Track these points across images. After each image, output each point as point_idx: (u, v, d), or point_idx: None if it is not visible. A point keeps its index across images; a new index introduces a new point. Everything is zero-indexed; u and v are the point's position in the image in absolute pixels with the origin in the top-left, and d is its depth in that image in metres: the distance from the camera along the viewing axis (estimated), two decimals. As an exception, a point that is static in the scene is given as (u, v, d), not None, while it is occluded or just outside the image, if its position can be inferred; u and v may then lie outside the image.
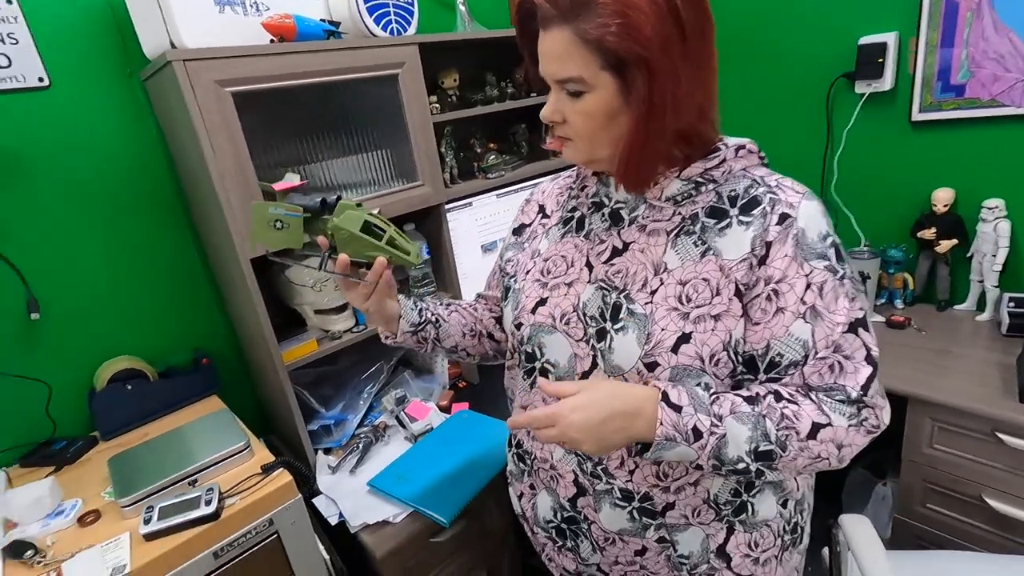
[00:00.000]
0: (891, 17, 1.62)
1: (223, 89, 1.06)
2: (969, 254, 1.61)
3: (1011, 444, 1.24)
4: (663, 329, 0.67)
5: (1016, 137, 1.50)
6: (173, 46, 1.07)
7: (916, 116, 1.64)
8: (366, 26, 1.28)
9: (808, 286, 0.64)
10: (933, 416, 1.35)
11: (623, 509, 0.75)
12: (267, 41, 1.16)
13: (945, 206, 1.62)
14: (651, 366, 0.67)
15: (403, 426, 1.42)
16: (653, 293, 0.69)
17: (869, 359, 0.65)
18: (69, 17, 1.19)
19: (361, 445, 1.36)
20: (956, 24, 1.52)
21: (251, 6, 1.16)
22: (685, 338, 0.66)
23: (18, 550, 0.90)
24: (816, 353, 0.65)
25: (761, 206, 0.67)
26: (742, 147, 0.71)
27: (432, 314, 0.94)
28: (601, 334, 0.72)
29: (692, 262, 0.68)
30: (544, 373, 0.79)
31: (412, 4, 1.38)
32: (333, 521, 1.18)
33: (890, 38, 1.61)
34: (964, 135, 1.59)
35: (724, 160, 0.69)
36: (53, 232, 1.23)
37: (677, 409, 0.63)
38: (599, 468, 0.75)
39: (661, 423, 0.62)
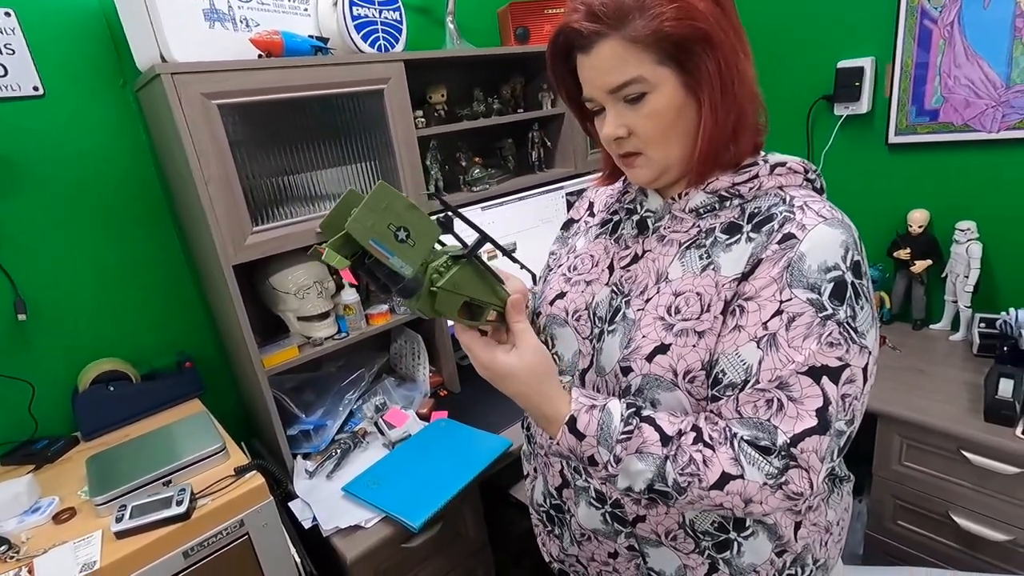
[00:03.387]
0: (868, 42, 1.67)
1: (210, 102, 1.10)
2: (944, 274, 1.65)
3: (976, 463, 1.26)
4: (644, 336, 0.67)
5: (987, 162, 1.54)
6: (164, 59, 1.11)
7: (892, 139, 1.68)
8: (354, 42, 1.33)
9: (778, 313, 0.60)
10: (902, 433, 1.38)
11: (597, 510, 0.76)
12: (255, 56, 1.20)
13: (920, 227, 1.65)
14: (626, 370, 0.68)
15: (381, 433, 1.44)
16: (647, 301, 0.69)
17: (820, 415, 0.57)
18: (64, 29, 1.23)
19: (339, 451, 1.38)
20: (930, 51, 1.56)
21: (241, 22, 1.20)
22: (662, 349, 0.65)
23: (-8, 545, 0.92)
24: (757, 382, 0.60)
25: (772, 223, 0.63)
26: (782, 164, 0.68)
27: None
28: (600, 335, 0.73)
29: (692, 275, 0.67)
30: None
31: (400, 22, 1.42)
32: (307, 525, 1.20)
33: (867, 63, 1.66)
34: (938, 158, 1.63)
35: (756, 176, 0.66)
36: (43, 235, 1.27)
37: (580, 437, 0.62)
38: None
39: (558, 443, 0.64)
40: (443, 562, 1.30)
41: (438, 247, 0.59)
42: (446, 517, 1.24)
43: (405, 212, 0.52)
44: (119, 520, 0.94)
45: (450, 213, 0.58)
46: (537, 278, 0.91)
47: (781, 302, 0.60)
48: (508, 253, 0.64)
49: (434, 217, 0.55)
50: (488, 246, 0.60)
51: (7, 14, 1.16)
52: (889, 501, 1.45)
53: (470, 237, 0.60)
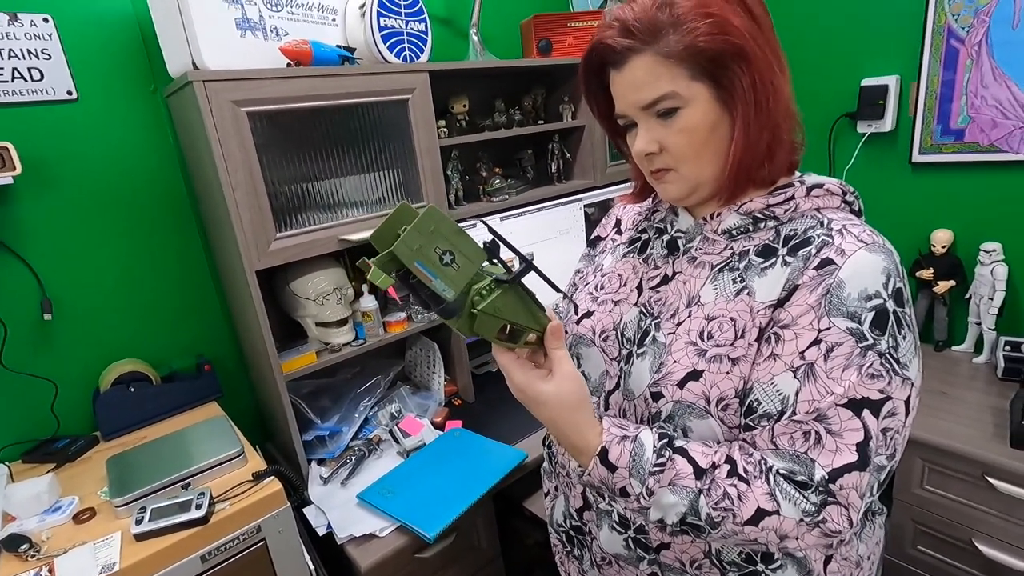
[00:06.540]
0: (893, 60, 1.66)
1: (239, 109, 1.11)
2: (967, 296, 1.62)
3: (1001, 489, 1.24)
4: (675, 361, 0.65)
5: (1014, 182, 1.52)
6: (195, 66, 1.13)
7: (916, 158, 1.67)
8: (380, 53, 1.34)
9: (816, 342, 0.57)
10: (924, 457, 1.35)
11: (620, 534, 0.75)
12: (284, 65, 1.22)
13: (944, 247, 1.63)
14: (656, 396, 0.66)
15: (396, 441, 1.44)
16: (679, 325, 0.67)
17: (860, 450, 0.55)
18: (99, 35, 1.26)
19: (354, 458, 1.38)
20: (956, 70, 1.55)
21: (271, 31, 1.22)
22: (695, 375, 0.64)
23: (13, 543, 0.93)
24: (793, 414, 0.58)
25: (809, 247, 0.61)
26: (819, 186, 0.66)
27: None
28: (628, 357, 0.72)
29: (725, 299, 0.65)
30: None
31: (426, 33, 1.44)
32: (321, 532, 1.20)
33: (891, 81, 1.65)
34: (963, 178, 1.61)
35: (792, 197, 0.65)
36: (71, 237, 1.29)
37: (612, 469, 0.60)
38: None
39: (589, 474, 0.62)
40: (455, 573, 1.30)
41: (485, 265, 0.58)
42: (460, 528, 1.24)
43: (452, 236, 0.52)
44: (139, 522, 0.94)
45: (496, 239, 0.58)
46: (564, 299, 0.90)
47: (819, 331, 0.58)
48: (553, 284, 0.63)
49: (479, 240, 0.54)
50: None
51: (45, 20, 1.19)
52: (909, 525, 1.42)
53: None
